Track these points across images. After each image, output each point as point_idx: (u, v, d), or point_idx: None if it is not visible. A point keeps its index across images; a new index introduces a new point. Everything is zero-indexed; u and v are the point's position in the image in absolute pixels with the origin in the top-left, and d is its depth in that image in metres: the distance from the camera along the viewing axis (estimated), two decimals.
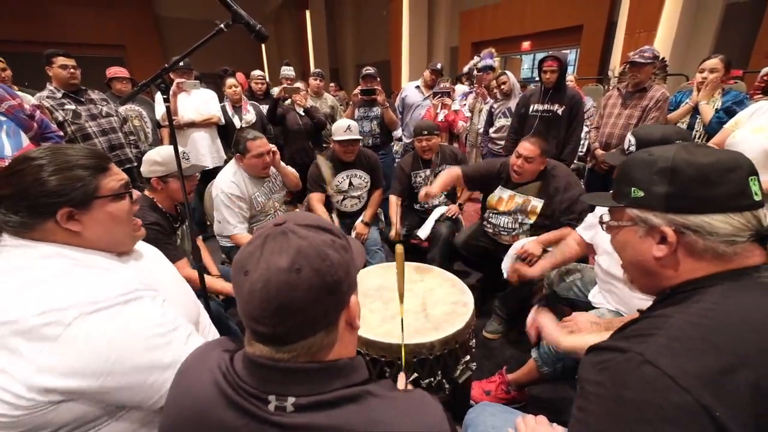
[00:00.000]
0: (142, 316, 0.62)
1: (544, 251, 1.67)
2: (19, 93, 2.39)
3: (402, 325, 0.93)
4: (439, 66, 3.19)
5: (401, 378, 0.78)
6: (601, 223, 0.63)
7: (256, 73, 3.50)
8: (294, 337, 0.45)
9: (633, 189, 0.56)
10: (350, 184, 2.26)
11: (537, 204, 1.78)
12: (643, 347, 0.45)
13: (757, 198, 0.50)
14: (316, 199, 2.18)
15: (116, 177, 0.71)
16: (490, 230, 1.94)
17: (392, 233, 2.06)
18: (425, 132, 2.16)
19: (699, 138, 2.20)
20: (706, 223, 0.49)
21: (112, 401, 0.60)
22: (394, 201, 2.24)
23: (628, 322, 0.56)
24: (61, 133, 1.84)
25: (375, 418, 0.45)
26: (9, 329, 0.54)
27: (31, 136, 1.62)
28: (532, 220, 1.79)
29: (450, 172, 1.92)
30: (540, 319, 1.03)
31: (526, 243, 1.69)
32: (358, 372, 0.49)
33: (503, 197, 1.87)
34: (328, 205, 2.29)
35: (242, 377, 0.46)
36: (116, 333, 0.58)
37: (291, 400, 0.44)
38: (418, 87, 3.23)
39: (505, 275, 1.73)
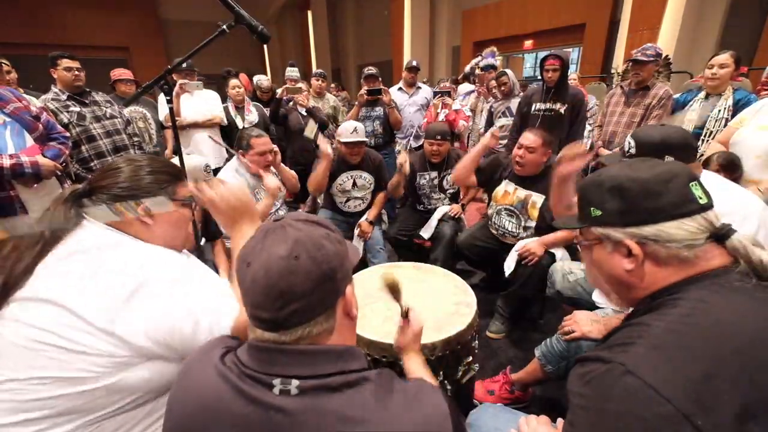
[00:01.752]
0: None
1: (548, 253, 1.67)
2: (24, 95, 2.42)
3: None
4: (414, 63, 3.25)
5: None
6: (577, 243, 0.67)
7: (264, 83, 3.50)
8: (295, 321, 0.48)
9: (592, 209, 0.59)
10: (354, 184, 2.26)
11: (537, 200, 1.77)
12: (624, 357, 0.46)
13: (703, 201, 0.53)
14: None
15: (187, 188, 0.84)
16: (495, 231, 1.93)
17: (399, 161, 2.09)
18: (438, 137, 2.16)
19: (710, 136, 2.15)
20: (662, 231, 0.52)
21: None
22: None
23: (611, 330, 0.57)
24: (67, 134, 1.86)
25: (377, 403, 0.46)
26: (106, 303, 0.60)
27: (35, 136, 1.63)
28: (534, 221, 1.79)
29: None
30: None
31: (529, 242, 1.69)
32: (358, 360, 0.51)
33: (508, 191, 1.87)
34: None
35: (246, 364, 0.48)
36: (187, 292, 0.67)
37: (295, 383, 0.46)
38: (400, 89, 3.29)
39: (507, 274, 1.73)
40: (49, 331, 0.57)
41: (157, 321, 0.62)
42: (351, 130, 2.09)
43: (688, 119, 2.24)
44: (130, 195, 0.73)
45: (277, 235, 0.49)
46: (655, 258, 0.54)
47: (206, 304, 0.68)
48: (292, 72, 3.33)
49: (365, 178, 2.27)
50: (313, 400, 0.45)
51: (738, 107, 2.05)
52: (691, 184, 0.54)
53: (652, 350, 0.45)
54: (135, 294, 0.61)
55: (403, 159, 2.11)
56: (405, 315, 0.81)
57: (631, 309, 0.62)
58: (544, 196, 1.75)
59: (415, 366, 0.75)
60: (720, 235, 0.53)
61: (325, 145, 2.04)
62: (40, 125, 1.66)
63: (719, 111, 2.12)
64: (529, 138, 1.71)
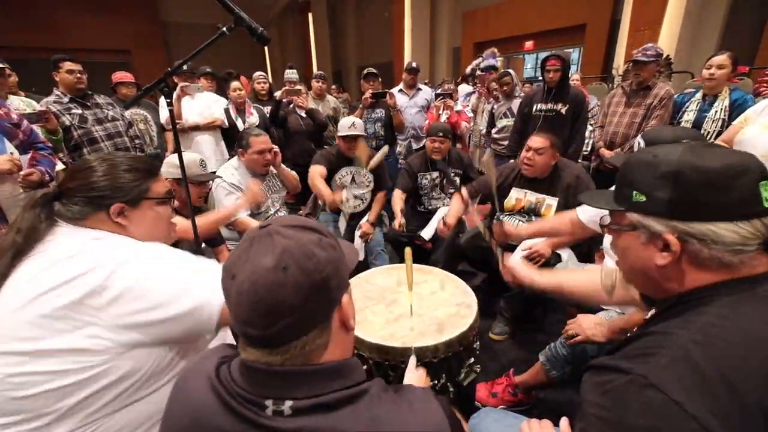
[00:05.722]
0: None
1: (554, 254, 1.66)
2: (25, 98, 2.43)
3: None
4: (414, 65, 3.27)
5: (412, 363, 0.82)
6: (602, 225, 0.61)
7: (257, 73, 3.53)
8: (286, 338, 0.44)
9: (634, 192, 0.52)
10: (353, 180, 2.26)
11: (552, 203, 1.76)
12: (645, 369, 0.43)
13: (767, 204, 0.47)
14: (317, 172, 2.14)
15: (163, 183, 0.80)
16: None
17: (396, 224, 2.09)
18: (440, 133, 2.18)
19: (708, 137, 2.14)
20: (711, 231, 0.46)
21: (173, 334, 0.64)
22: (398, 195, 2.24)
23: (629, 338, 0.54)
24: (50, 144, 1.85)
25: (374, 419, 0.44)
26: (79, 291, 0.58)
27: (16, 144, 1.62)
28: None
29: (457, 198, 1.97)
30: (511, 264, 1.05)
31: (535, 243, 1.68)
32: (355, 373, 0.49)
33: (519, 197, 1.87)
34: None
35: (239, 383, 0.46)
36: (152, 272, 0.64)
37: (288, 403, 0.44)
38: (401, 90, 3.31)
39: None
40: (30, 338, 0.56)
41: (137, 298, 0.59)
42: (349, 124, 2.12)
43: (684, 120, 2.24)
44: (102, 196, 0.70)
45: (263, 244, 0.45)
46: (694, 257, 0.48)
47: (195, 282, 0.64)
48: (291, 74, 3.34)
49: (365, 176, 2.27)
50: (308, 419, 0.43)
51: (734, 108, 2.05)
52: (761, 183, 0.46)
53: (675, 363, 0.42)
54: (110, 279, 0.59)
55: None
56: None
57: (649, 312, 0.59)
58: (557, 199, 1.74)
59: None
60: None
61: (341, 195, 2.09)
62: (20, 132, 1.65)
63: (716, 112, 2.12)
64: (537, 141, 1.71)
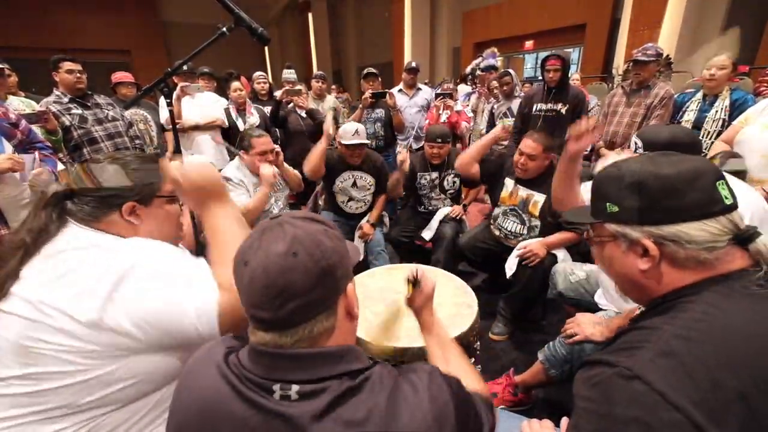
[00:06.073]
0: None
1: (550, 254, 1.66)
2: (24, 99, 2.43)
3: None
4: (414, 64, 3.26)
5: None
6: (587, 239, 0.65)
7: (257, 73, 3.53)
8: (295, 320, 0.47)
9: (608, 204, 0.56)
10: (354, 184, 2.26)
11: (539, 199, 1.76)
12: (631, 361, 0.45)
13: (728, 202, 0.51)
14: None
15: None
16: (497, 233, 1.93)
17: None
18: (439, 139, 2.17)
19: (708, 136, 2.15)
20: (682, 232, 0.50)
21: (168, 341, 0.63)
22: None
23: (618, 333, 0.56)
24: (49, 144, 1.85)
25: (375, 406, 0.45)
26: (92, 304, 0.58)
27: (14, 143, 1.62)
28: (537, 220, 1.78)
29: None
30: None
31: (530, 243, 1.69)
32: (360, 359, 0.50)
33: (512, 190, 1.88)
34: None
35: (247, 367, 0.48)
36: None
37: (295, 388, 0.45)
38: (401, 90, 3.30)
39: (508, 275, 1.72)
40: (32, 329, 0.57)
41: (142, 310, 0.60)
42: (352, 132, 2.09)
43: (685, 120, 2.24)
44: (113, 195, 0.70)
45: (274, 233, 0.48)
46: (673, 259, 0.52)
47: (191, 290, 0.64)
48: (290, 74, 3.34)
49: (365, 179, 2.27)
50: (313, 404, 0.45)
51: (735, 107, 2.06)
52: (717, 183, 0.51)
53: (659, 355, 0.44)
54: (119, 284, 0.59)
55: (402, 157, 2.11)
56: (416, 284, 0.84)
57: (638, 311, 0.61)
58: (545, 195, 1.74)
59: (431, 323, 0.81)
60: (744, 238, 0.50)
61: (328, 124, 2.09)
62: (19, 132, 1.65)
63: (716, 111, 2.13)
64: (529, 145, 1.71)
